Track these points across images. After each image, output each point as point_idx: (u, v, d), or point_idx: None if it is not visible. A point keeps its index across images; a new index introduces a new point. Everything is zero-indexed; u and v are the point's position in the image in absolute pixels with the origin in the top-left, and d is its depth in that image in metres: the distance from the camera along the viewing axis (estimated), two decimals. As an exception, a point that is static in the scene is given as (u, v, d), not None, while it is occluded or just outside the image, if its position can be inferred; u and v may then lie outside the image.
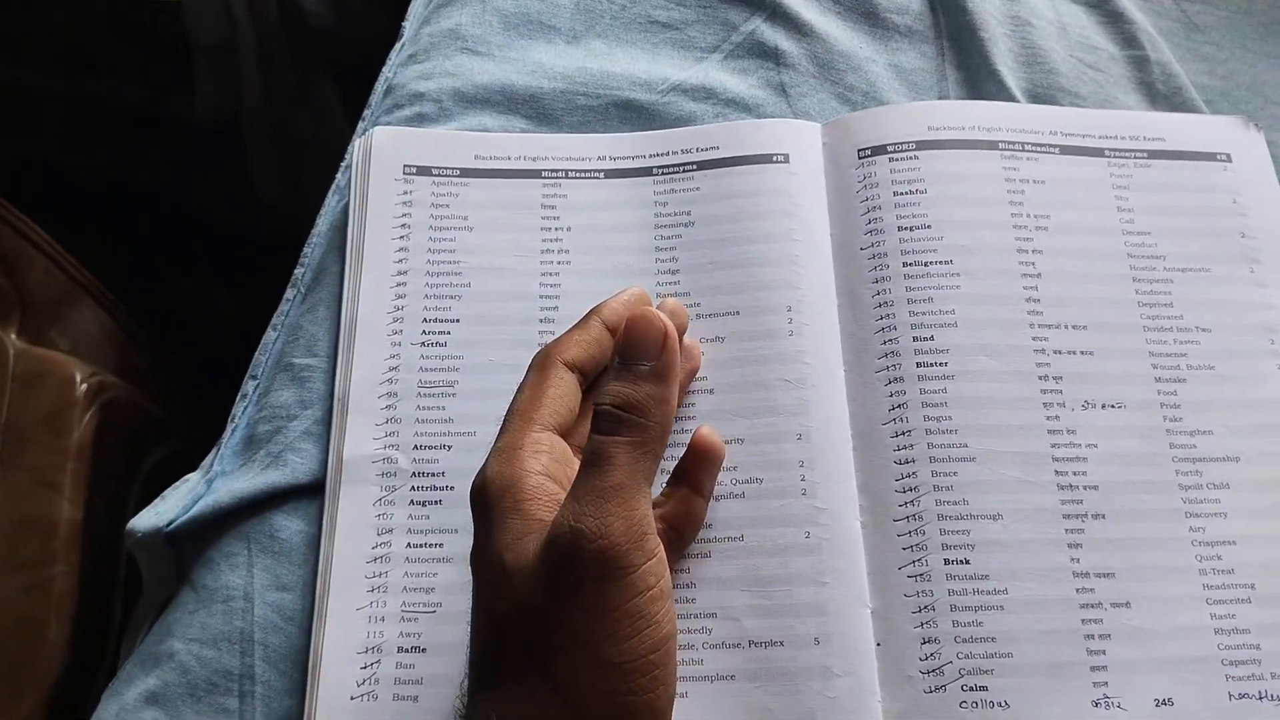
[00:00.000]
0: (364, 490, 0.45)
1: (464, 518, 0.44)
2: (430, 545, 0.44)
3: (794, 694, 0.40)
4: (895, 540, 0.43)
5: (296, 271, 0.52)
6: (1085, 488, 0.44)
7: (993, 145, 0.50)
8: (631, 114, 0.54)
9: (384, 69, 0.58)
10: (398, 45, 0.58)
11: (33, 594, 0.56)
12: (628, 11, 0.58)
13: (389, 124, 0.54)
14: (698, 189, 0.50)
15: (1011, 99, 0.54)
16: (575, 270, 0.49)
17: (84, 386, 0.62)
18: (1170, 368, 0.47)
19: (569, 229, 0.50)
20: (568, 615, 0.32)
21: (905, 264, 0.47)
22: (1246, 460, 0.45)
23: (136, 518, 0.45)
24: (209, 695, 0.42)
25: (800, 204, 0.49)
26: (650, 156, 0.52)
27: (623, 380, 0.35)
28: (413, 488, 0.45)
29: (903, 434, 0.44)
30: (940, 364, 0.45)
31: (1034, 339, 0.46)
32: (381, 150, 0.52)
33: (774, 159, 0.50)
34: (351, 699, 0.41)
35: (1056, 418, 0.45)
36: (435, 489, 0.45)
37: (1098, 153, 0.51)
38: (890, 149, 0.50)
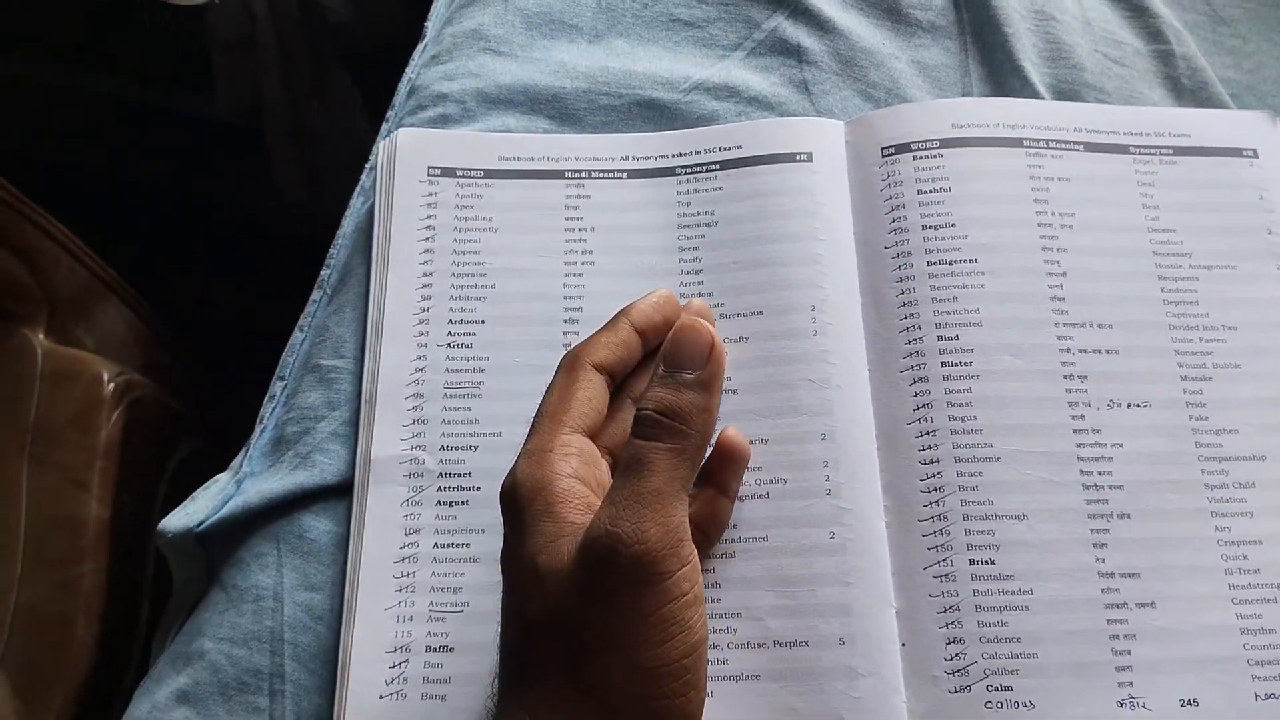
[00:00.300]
0: (391, 491, 0.45)
1: (491, 518, 0.44)
2: (457, 545, 0.44)
3: (819, 694, 0.40)
4: (920, 540, 0.43)
5: (322, 273, 0.52)
6: (1110, 487, 0.44)
7: (1017, 143, 0.50)
8: (654, 113, 0.54)
9: (407, 69, 0.58)
10: (420, 46, 0.59)
11: (62, 592, 0.56)
12: (649, 10, 0.58)
13: (413, 125, 0.54)
14: (721, 188, 0.50)
15: (1036, 95, 0.53)
16: (599, 271, 0.49)
17: (111, 386, 0.62)
18: (1196, 366, 0.46)
19: (592, 229, 0.50)
20: (603, 619, 0.32)
21: (929, 263, 0.47)
22: (1273, 459, 0.45)
23: (167, 518, 0.46)
24: (239, 694, 0.43)
25: (824, 203, 0.49)
26: (673, 156, 0.52)
27: (666, 387, 0.35)
28: (440, 488, 0.45)
29: (927, 434, 0.44)
30: (965, 363, 0.45)
31: (1059, 338, 0.46)
32: (406, 152, 0.52)
33: (797, 158, 0.50)
34: (380, 698, 0.42)
35: (1082, 417, 0.45)
36: (462, 489, 0.45)
37: (1123, 149, 0.51)
38: (914, 147, 0.50)
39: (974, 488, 0.43)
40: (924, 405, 0.45)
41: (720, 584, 0.42)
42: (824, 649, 0.41)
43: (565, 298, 0.49)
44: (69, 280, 0.66)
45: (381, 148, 0.53)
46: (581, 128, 0.54)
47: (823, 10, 0.57)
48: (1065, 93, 0.54)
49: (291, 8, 0.89)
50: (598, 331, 0.40)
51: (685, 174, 0.51)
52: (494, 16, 0.58)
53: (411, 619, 0.43)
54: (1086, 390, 0.45)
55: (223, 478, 0.48)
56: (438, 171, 0.51)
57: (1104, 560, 0.42)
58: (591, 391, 0.38)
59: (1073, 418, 0.45)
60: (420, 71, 0.57)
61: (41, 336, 0.63)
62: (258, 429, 0.49)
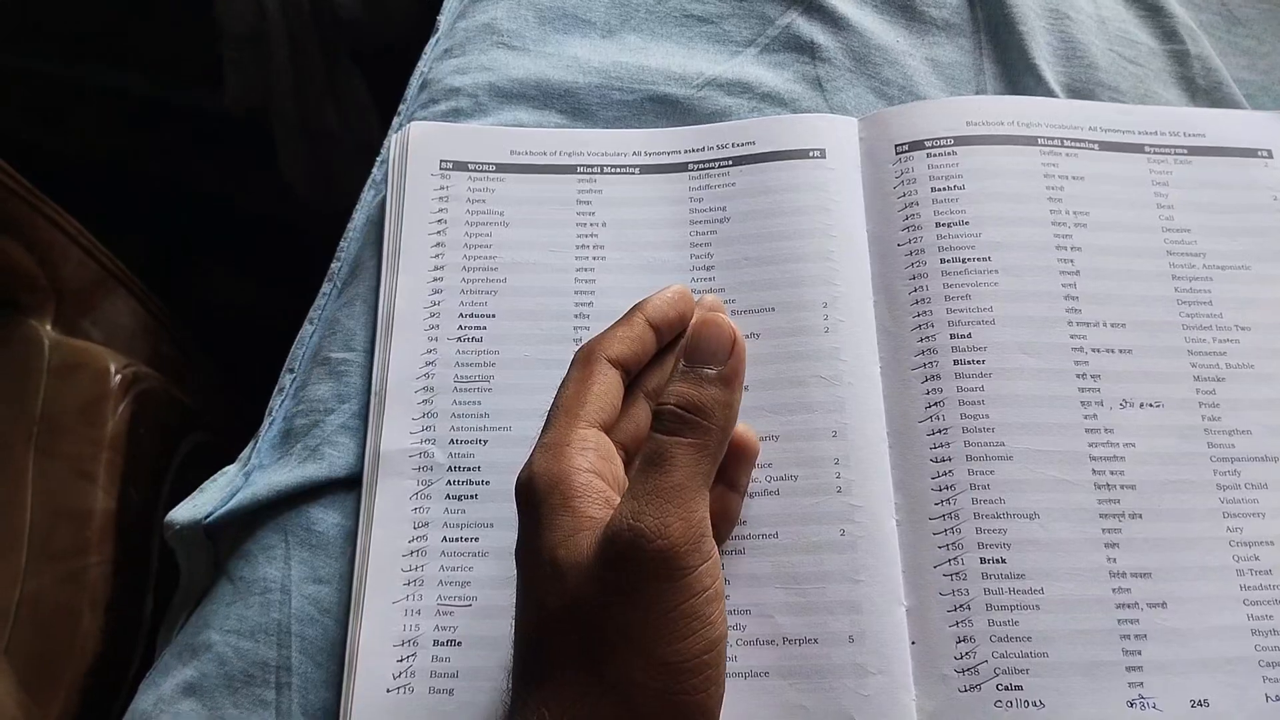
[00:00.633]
0: (400, 484, 0.45)
1: (499, 512, 0.44)
2: (466, 539, 0.44)
3: (828, 692, 0.40)
4: (931, 538, 0.42)
5: (332, 266, 0.52)
6: (1123, 487, 0.43)
7: (1031, 141, 0.50)
8: (667, 109, 0.54)
9: (419, 63, 0.58)
10: (433, 39, 0.58)
11: (68, 583, 0.56)
12: (663, 5, 0.58)
13: (424, 119, 0.54)
14: (733, 184, 0.50)
15: (1050, 93, 0.53)
16: (610, 266, 0.49)
17: (118, 378, 0.62)
18: (1209, 366, 0.46)
19: (604, 224, 0.50)
20: (623, 614, 0.32)
21: (943, 260, 0.47)
22: (1286, 460, 0.45)
23: (175, 510, 0.46)
24: (246, 686, 0.43)
25: (837, 199, 0.49)
26: (686, 152, 0.51)
27: (688, 382, 0.35)
28: (449, 482, 0.45)
29: (939, 432, 0.44)
30: (978, 361, 0.45)
31: (1072, 337, 0.46)
32: (418, 145, 0.52)
33: (810, 154, 0.50)
34: (388, 692, 0.41)
35: (1094, 416, 0.44)
36: (471, 483, 0.45)
37: (1137, 149, 0.51)
38: (928, 144, 0.49)
39: (985, 486, 0.43)
40: (936, 403, 0.44)
41: (730, 581, 0.42)
42: (833, 647, 0.41)
43: (576, 292, 0.48)
44: (78, 272, 0.66)
45: (393, 141, 0.53)
46: (594, 123, 0.54)
47: (837, 7, 0.57)
48: (1080, 91, 0.54)
49: (302, 3, 0.89)
50: (612, 326, 0.39)
51: (698, 169, 0.51)
52: (507, 10, 0.58)
53: (419, 613, 0.43)
54: (1099, 389, 0.45)
55: (231, 470, 0.48)
56: (450, 165, 0.51)
57: (1115, 560, 0.42)
58: (607, 386, 0.37)
59: (1085, 417, 0.44)
60: (432, 65, 0.57)
61: (49, 328, 0.64)
62: (266, 421, 0.49)
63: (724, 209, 0.50)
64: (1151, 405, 0.45)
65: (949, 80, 0.55)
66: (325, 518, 0.45)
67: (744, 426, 0.41)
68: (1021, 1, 0.56)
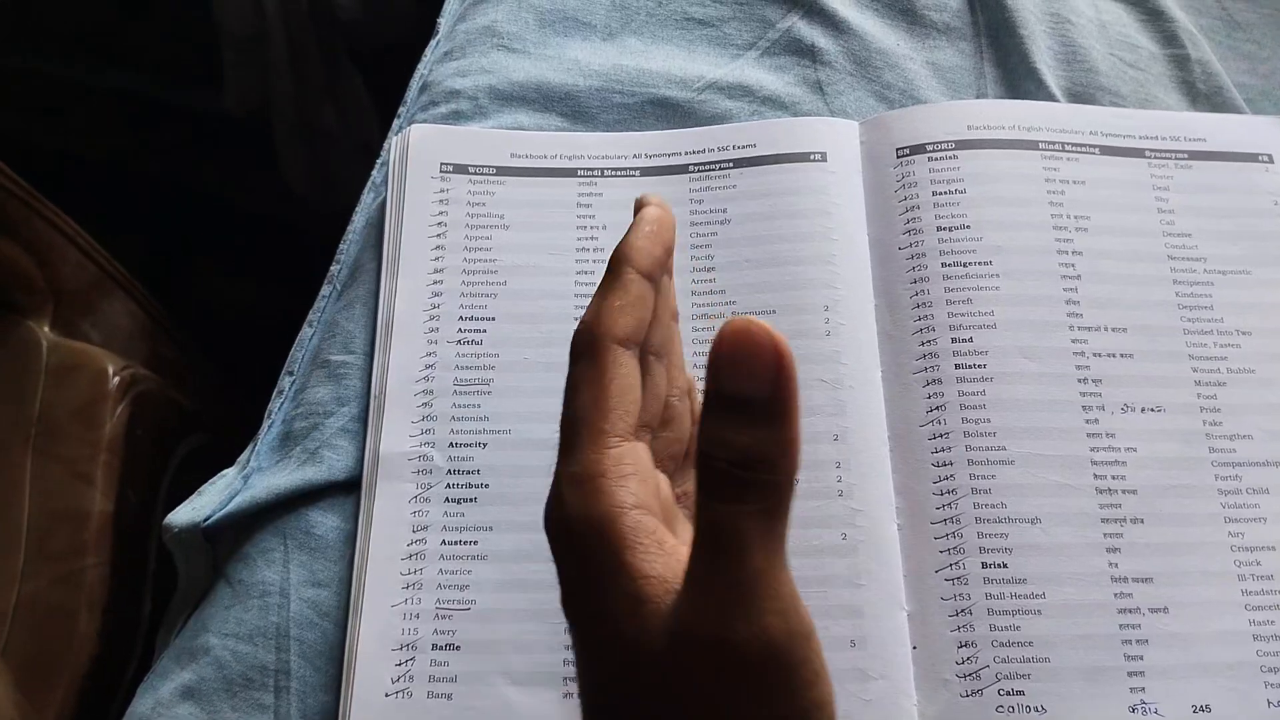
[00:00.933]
0: (400, 487, 0.45)
1: (499, 515, 0.44)
2: (465, 543, 0.44)
3: (829, 696, 0.40)
4: (932, 543, 0.42)
5: (332, 268, 0.52)
6: (1124, 492, 0.43)
7: (1033, 145, 0.50)
8: (667, 112, 0.54)
9: (419, 65, 0.57)
10: (433, 42, 0.58)
11: (65, 585, 0.56)
12: (664, 8, 0.58)
13: (425, 121, 0.54)
14: (734, 187, 0.50)
15: (1051, 98, 0.53)
16: (611, 268, 0.49)
17: (116, 379, 0.62)
18: (1210, 371, 0.46)
19: (604, 227, 0.50)
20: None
21: (944, 264, 0.47)
22: (1287, 465, 0.45)
23: (173, 513, 0.45)
24: (245, 690, 0.42)
25: (838, 203, 0.49)
26: (686, 154, 0.51)
27: (732, 424, 0.26)
28: (448, 485, 0.45)
29: (940, 436, 0.44)
30: (979, 366, 0.45)
31: (1073, 341, 0.46)
32: (418, 148, 0.52)
33: (811, 157, 0.50)
34: (386, 696, 0.41)
35: (1096, 421, 0.44)
36: (470, 486, 0.45)
37: (1138, 153, 0.51)
38: (929, 148, 0.49)
39: (987, 490, 0.43)
40: (937, 407, 0.44)
41: (730, 585, 0.42)
42: (834, 651, 0.40)
43: (576, 295, 0.48)
44: (76, 274, 0.66)
45: (393, 144, 0.53)
46: (594, 126, 0.54)
47: (838, 11, 0.57)
48: (1080, 96, 0.54)
49: (301, 4, 0.89)
50: (604, 294, 0.32)
51: (698, 172, 0.51)
52: (507, 13, 0.58)
53: (418, 616, 0.43)
54: (1100, 394, 0.45)
55: (230, 473, 0.47)
56: (450, 168, 0.51)
57: (1117, 565, 0.42)
58: (626, 379, 0.31)
59: (1087, 421, 0.44)
60: (433, 67, 0.57)
61: (47, 329, 0.63)
62: (265, 424, 0.48)
63: (725, 211, 0.49)
64: (1153, 410, 0.45)
65: (950, 84, 0.55)
66: (324, 521, 0.45)
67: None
68: (1022, 5, 0.56)
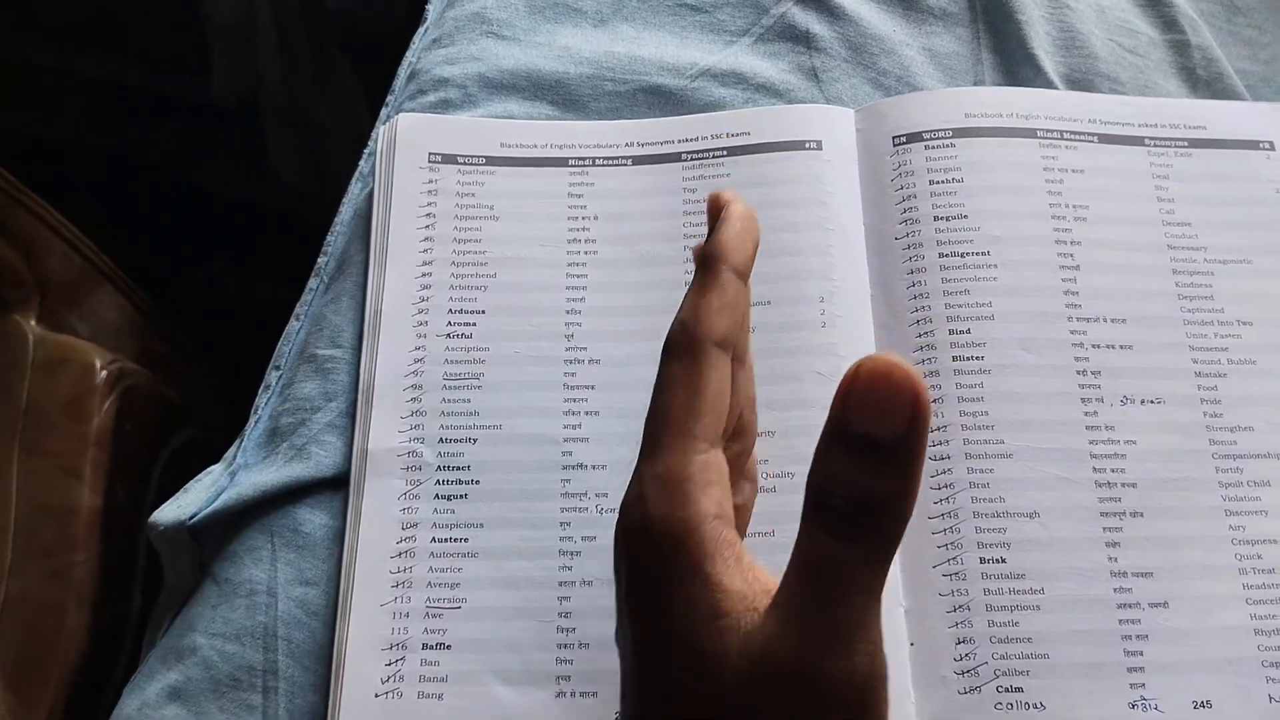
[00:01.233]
0: (388, 484, 0.44)
1: (490, 512, 0.44)
2: (455, 540, 0.43)
3: (826, 694, 0.39)
4: (930, 538, 0.42)
5: (319, 260, 0.51)
6: (1124, 485, 0.43)
7: (1031, 133, 0.49)
8: (660, 100, 0.53)
9: (407, 53, 0.57)
10: (421, 29, 0.58)
11: (53, 581, 0.55)
12: (656, -6, 0.57)
13: (413, 110, 0.53)
14: (728, 175, 0.49)
15: (1049, 84, 0.52)
16: (602, 260, 0.48)
17: (104, 373, 0.61)
18: (1211, 362, 0.46)
19: (596, 218, 0.49)
20: None
21: (941, 255, 0.46)
22: (1289, 457, 0.44)
23: (159, 511, 0.45)
24: (232, 690, 0.42)
25: (833, 192, 0.48)
26: (679, 142, 0.51)
27: (856, 463, 0.26)
28: (438, 481, 0.44)
29: (938, 429, 0.43)
30: (976, 358, 0.44)
31: (1072, 332, 0.45)
32: (406, 137, 0.51)
33: (806, 145, 0.49)
34: (376, 696, 0.41)
35: (1095, 413, 0.44)
36: (461, 483, 0.44)
37: (1137, 141, 0.50)
38: (926, 136, 0.49)
39: (985, 484, 0.42)
40: (935, 400, 0.44)
41: (725, 581, 0.41)
42: (831, 649, 0.40)
43: (568, 288, 0.48)
44: (62, 267, 0.65)
45: (381, 133, 0.52)
46: (585, 114, 0.53)
47: (832, -5, 0.56)
48: (1079, 82, 0.53)
49: (290, -9, 0.88)
50: (701, 292, 0.30)
51: (691, 160, 0.50)
52: (497, 0, 0.57)
53: (408, 615, 0.42)
54: (1100, 386, 0.44)
55: (216, 469, 0.47)
56: (438, 158, 0.50)
57: (1116, 559, 0.42)
58: (721, 383, 0.30)
59: (1086, 414, 0.44)
60: (421, 55, 0.56)
61: (33, 323, 0.63)
62: (252, 420, 0.48)
63: (719, 201, 0.49)
64: (1152, 401, 0.44)
65: (946, 71, 0.54)
66: (312, 518, 0.44)
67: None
68: (1020, -10, 0.55)
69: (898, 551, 0.41)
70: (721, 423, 0.30)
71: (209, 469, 0.47)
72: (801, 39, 0.55)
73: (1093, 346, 0.45)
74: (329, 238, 0.51)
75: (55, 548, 0.56)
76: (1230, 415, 0.45)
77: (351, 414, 0.46)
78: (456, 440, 0.45)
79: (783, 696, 0.26)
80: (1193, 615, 0.41)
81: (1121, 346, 0.45)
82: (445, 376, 0.46)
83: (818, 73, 0.54)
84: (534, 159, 0.51)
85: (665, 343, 0.30)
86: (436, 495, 0.44)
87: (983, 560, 0.41)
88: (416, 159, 0.50)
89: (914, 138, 0.49)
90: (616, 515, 0.29)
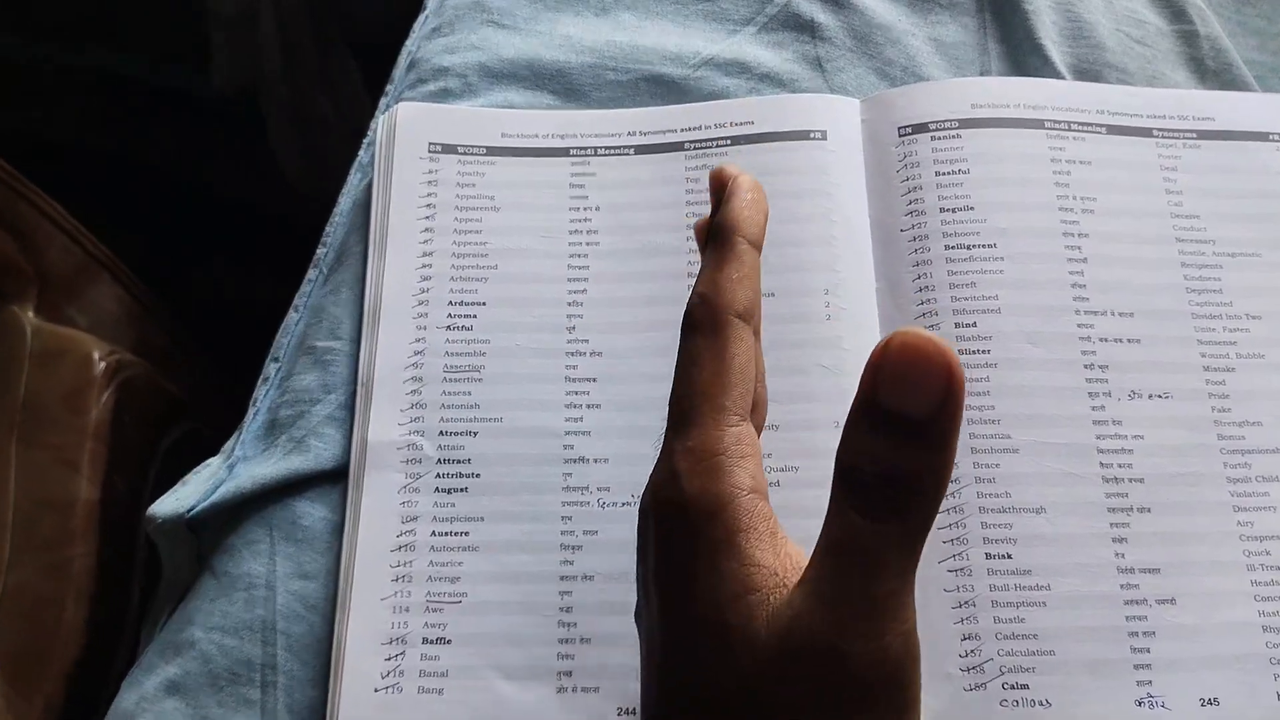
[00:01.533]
0: (388, 477, 0.44)
1: (490, 505, 0.43)
2: (456, 534, 0.43)
3: (829, 690, 0.39)
4: (935, 534, 0.41)
5: (318, 251, 0.51)
6: (1131, 480, 0.42)
7: (1038, 124, 0.48)
8: (662, 89, 0.53)
9: (407, 42, 0.56)
10: (421, 18, 0.57)
11: (52, 574, 0.55)
12: (658, -18, 0.56)
13: (413, 99, 0.53)
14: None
15: (1056, 74, 0.52)
16: (604, 251, 0.48)
17: (102, 365, 0.61)
18: (1219, 356, 0.45)
19: (598, 208, 0.49)
20: None
21: (947, 247, 0.46)
22: (1298, 453, 0.44)
23: (157, 503, 0.45)
24: (231, 685, 0.42)
25: (838, 183, 0.48)
26: (682, 131, 0.50)
27: (887, 439, 0.25)
28: (438, 475, 0.44)
29: (943, 423, 0.43)
30: (983, 351, 0.44)
31: (1079, 325, 0.45)
32: (406, 127, 0.50)
33: (811, 135, 0.49)
34: (375, 691, 0.40)
35: (1102, 408, 0.43)
36: (461, 476, 0.44)
37: (1146, 133, 0.49)
38: (932, 127, 0.48)
39: (991, 479, 0.42)
40: (939, 393, 0.43)
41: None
42: (834, 644, 0.40)
43: (569, 279, 0.47)
44: (61, 258, 0.65)
45: (380, 122, 0.51)
46: (587, 104, 0.53)
47: (837, -16, 0.55)
48: (1086, 72, 0.53)
49: (292, -18, 0.88)
50: (719, 265, 0.30)
51: (694, 149, 0.50)
52: (497, -12, 0.56)
53: (408, 609, 0.42)
54: (1107, 380, 0.44)
55: (214, 462, 0.46)
56: (438, 148, 0.50)
57: (1123, 555, 0.41)
58: (746, 355, 0.29)
59: (1093, 408, 0.43)
60: (421, 44, 0.55)
61: (31, 314, 0.62)
62: (251, 412, 0.47)
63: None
64: (1160, 396, 0.44)
65: (953, 60, 0.54)
66: (311, 511, 0.44)
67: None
68: (1027, -21, 0.55)
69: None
70: (750, 395, 0.29)
71: (207, 461, 0.47)
72: (806, 28, 0.54)
73: (1100, 340, 0.45)
74: (328, 228, 0.51)
75: (54, 540, 0.56)
76: (1239, 410, 0.44)
77: (351, 406, 0.46)
78: (457, 433, 0.44)
79: (812, 673, 0.25)
80: (1200, 611, 0.41)
81: (1129, 340, 0.45)
82: (445, 369, 0.46)
83: (822, 62, 0.53)
84: (535, 149, 0.50)
85: (685, 318, 0.30)
86: (437, 489, 0.44)
87: (988, 556, 0.41)
88: (416, 149, 0.50)
89: (920, 128, 0.48)
90: (641, 495, 0.29)
